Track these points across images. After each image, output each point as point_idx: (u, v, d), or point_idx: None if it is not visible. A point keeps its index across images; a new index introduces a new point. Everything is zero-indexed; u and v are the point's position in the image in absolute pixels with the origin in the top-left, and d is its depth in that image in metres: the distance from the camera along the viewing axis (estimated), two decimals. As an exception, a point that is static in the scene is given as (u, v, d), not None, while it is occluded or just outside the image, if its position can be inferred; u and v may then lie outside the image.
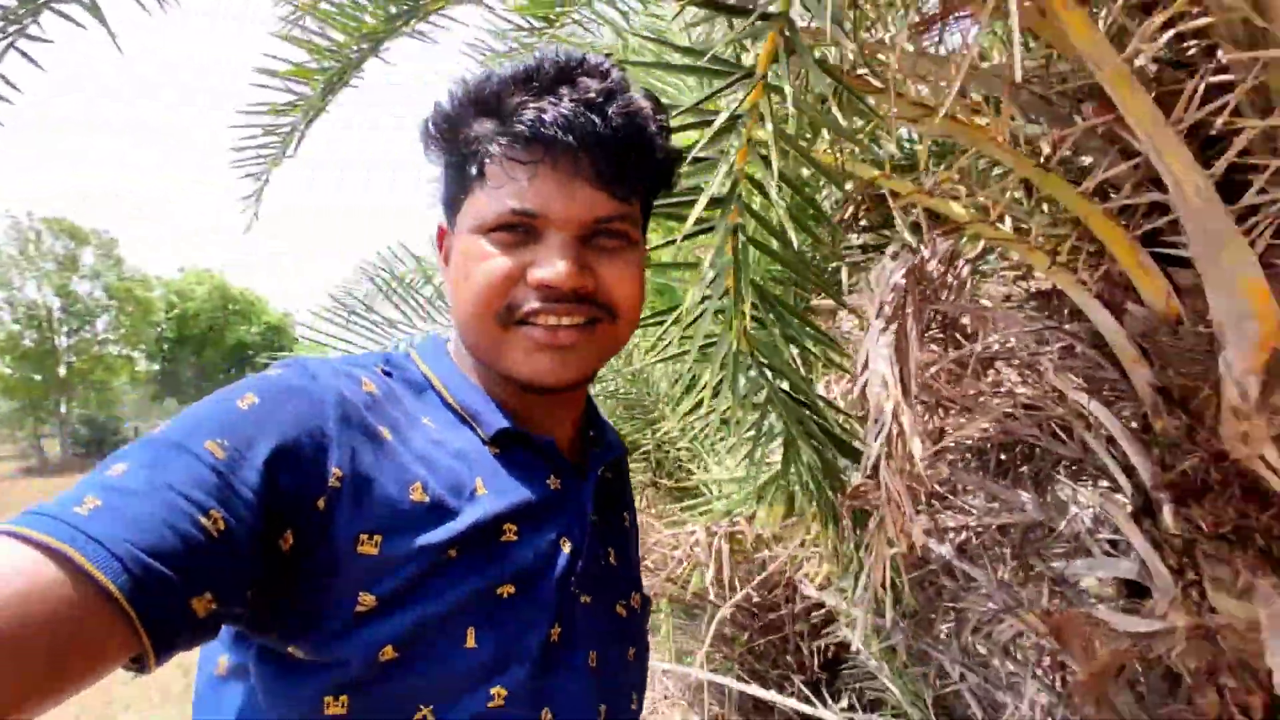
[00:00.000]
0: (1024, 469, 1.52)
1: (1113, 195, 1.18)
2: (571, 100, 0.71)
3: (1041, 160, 1.20)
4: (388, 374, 0.78)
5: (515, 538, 0.74)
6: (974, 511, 1.38)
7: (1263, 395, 1.05)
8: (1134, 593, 1.28)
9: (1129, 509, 1.26)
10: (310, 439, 0.68)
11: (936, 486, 1.42)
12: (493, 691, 0.70)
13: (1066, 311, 1.38)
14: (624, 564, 0.85)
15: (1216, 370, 1.11)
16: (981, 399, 1.39)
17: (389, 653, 0.67)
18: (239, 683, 0.71)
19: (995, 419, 1.38)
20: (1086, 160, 1.29)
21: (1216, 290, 1.06)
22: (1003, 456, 1.49)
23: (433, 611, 0.69)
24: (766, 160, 0.96)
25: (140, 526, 0.56)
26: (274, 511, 0.63)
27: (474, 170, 0.74)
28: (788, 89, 0.90)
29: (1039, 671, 1.44)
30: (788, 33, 0.90)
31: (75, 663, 0.53)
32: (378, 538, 0.69)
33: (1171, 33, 1.03)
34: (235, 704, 0.71)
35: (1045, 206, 1.34)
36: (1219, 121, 0.96)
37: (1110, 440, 1.32)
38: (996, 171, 1.45)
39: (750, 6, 0.99)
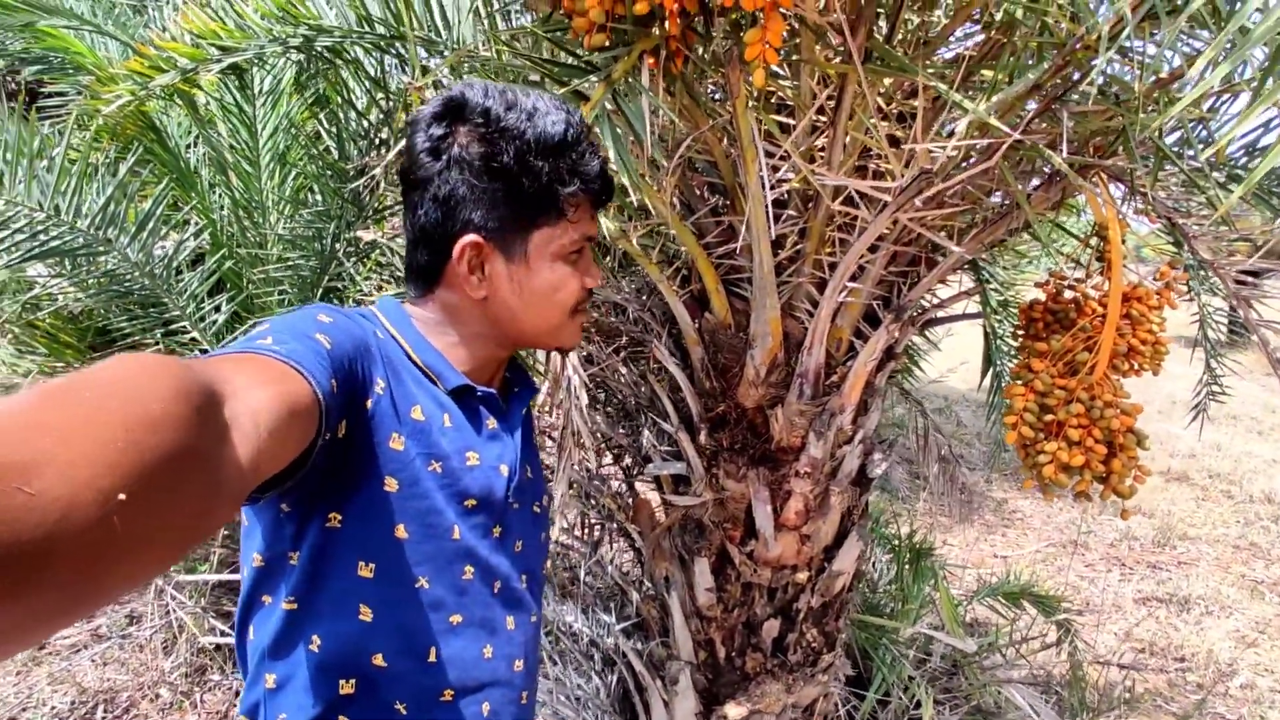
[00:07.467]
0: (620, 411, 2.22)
1: (712, 246, 1.86)
2: (593, 155, 0.98)
3: (678, 215, 1.79)
4: None
5: (476, 462, 0.98)
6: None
7: (765, 377, 1.90)
8: (679, 484, 2.11)
9: (683, 432, 2.05)
10: (367, 353, 0.89)
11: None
12: (465, 568, 0.97)
13: (664, 312, 2.06)
14: (536, 476, 1.15)
15: (744, 359, 1.92)
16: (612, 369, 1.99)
17: (401, 531, 0.91)
18: (278, 567, 0.91)
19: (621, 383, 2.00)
20: (701, 219, 1.94)
21: (756, 316, 1.85)
22: (609, 409, 2.15)
23: (429, 505, 0.92)
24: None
25: (311, 366, 0.75)
26: (343, 400, 0.82)
27: (552, 208, 0.96)
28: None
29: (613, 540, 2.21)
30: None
31: (306, 426, 0.73)
32: (403, 438, 0.90)
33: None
34: (290, 579, 0.91)
35: (667, 240, 1.95)
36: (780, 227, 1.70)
37: (674, 389, 2.08)
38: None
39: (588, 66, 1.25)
